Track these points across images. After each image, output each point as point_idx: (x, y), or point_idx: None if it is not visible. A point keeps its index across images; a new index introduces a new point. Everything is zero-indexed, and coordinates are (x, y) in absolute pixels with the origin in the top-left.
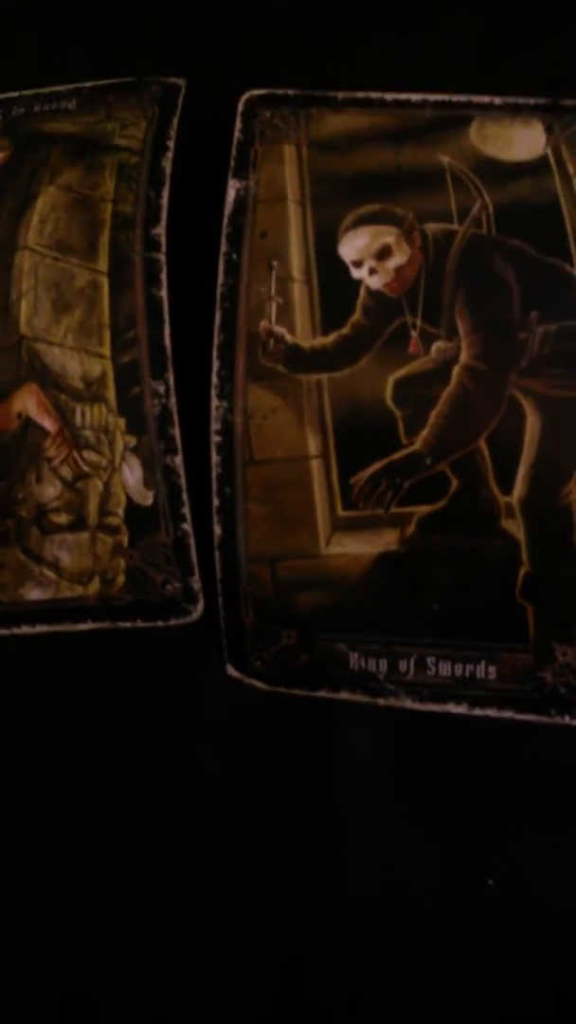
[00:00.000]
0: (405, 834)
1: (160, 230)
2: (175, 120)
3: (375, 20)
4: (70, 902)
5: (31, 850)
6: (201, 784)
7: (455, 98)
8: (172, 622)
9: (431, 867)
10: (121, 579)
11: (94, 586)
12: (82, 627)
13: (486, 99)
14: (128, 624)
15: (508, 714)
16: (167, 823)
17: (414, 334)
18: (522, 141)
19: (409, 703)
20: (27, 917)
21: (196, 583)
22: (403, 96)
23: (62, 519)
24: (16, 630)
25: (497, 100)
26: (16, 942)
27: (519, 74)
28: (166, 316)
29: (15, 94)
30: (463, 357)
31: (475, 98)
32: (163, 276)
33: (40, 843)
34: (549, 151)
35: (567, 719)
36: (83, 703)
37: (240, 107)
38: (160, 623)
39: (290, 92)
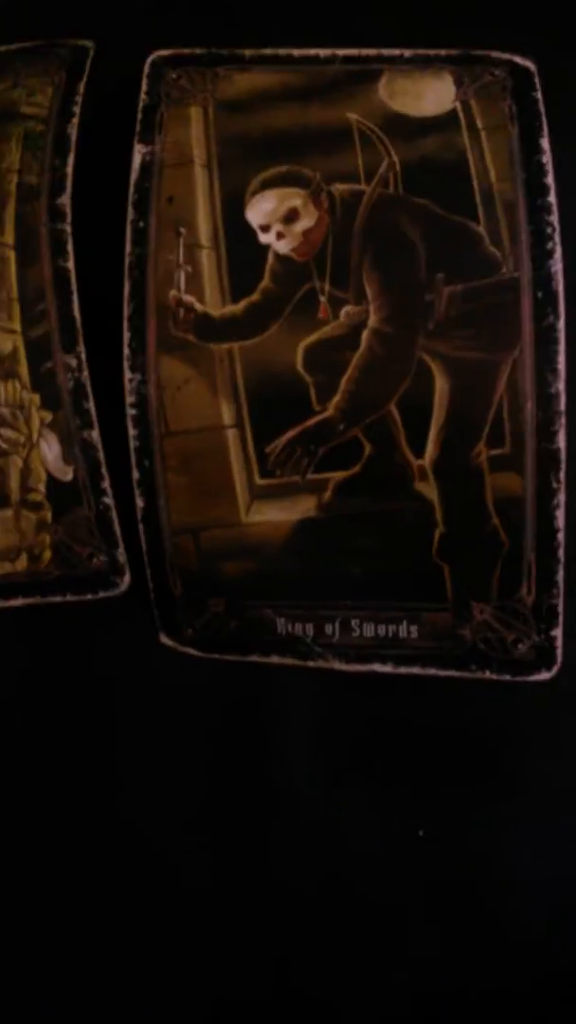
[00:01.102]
0: (340, 795)
1: (65, 200)
2: (81, 85)
3: None
4: (21, 879)
5: None
6: (143, 752)
7: (364, 52)
8: (101, 595)
9: (367, 827)
10: (48, 554)
11: (22, 562)
12: (13, 603)
13: (396, 52)
14: (59, 598)
15: (431, 671)
16: (109, 793)
17: (323, 299)
18: (432, 95)
19: (337, 664)
20: None
21: (121, 555)
22: (312, 52)
23: None
24: None
25: (407, 53)
26: None
27: (431, 27)
28: (74, 288)
29: None
30: (371, 321)
31: (385, 51)
32: (69, 247)
33: None
34: (458, 105)
35: (487, 674)
36: (23, 678)
37: (146, 68)
38: (89, 596)
39: (197, 51)
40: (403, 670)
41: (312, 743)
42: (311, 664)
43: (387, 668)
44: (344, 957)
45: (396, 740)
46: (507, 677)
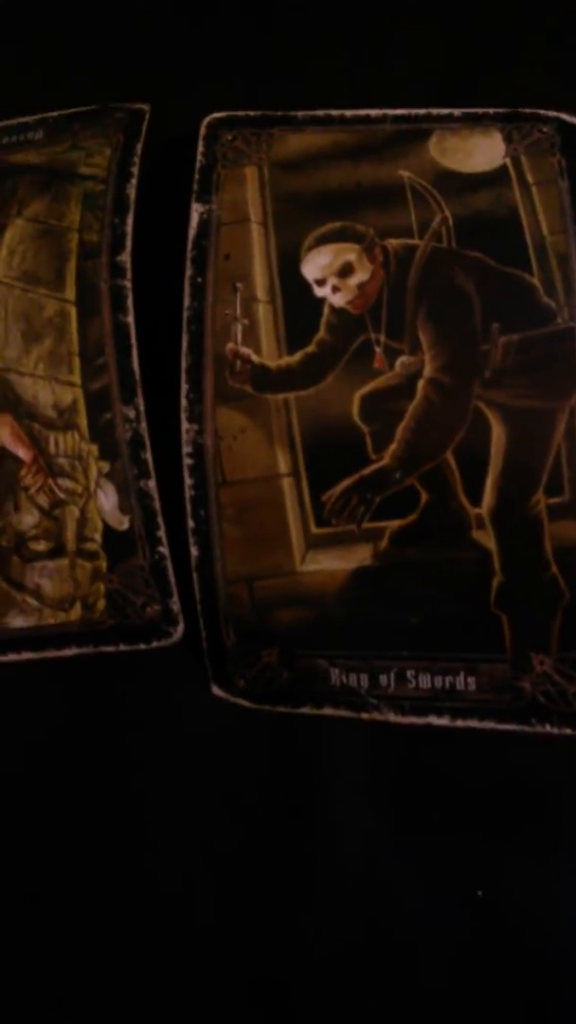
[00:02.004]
0: (390, 851)
1: (125, 257)
2: (139, 146)
3: (336, 38)
4: (55, 928)
5: (17, 873)
6: (187, 804)
7: (414, 112)
8: (154, 644)
9: (417, 883)
10: (102, 603)
11: (76, 611)
12: (67, 653)
13: (445, 111)
14: (111, 648)
15: (489, 725)
16: (153, 844)
17: (378, 350)
18: (481, 152)
19: (392, 716)
20: (10, 944)
21: (175, 604)
22: (363, 112)
23: (41, 546)
24: (2, 658)
25: (456, 112)
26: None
27: (479, 86)
28: (134, 341)
29: None
30: (427, 371)
31: (434, 111)
32: (129, 302)
33: (26, 866)
34: (508, 161)
35: (547, 728)
36: (73, 727)
37: (202, 130)
38: (142, 646)
39: (251, 113)
40: (460, 723)
41: (359, 798)
42: (365, 716)
43: (443, 721)
44: (387, 1008)
45: (447, 796)
46: (568, 731)
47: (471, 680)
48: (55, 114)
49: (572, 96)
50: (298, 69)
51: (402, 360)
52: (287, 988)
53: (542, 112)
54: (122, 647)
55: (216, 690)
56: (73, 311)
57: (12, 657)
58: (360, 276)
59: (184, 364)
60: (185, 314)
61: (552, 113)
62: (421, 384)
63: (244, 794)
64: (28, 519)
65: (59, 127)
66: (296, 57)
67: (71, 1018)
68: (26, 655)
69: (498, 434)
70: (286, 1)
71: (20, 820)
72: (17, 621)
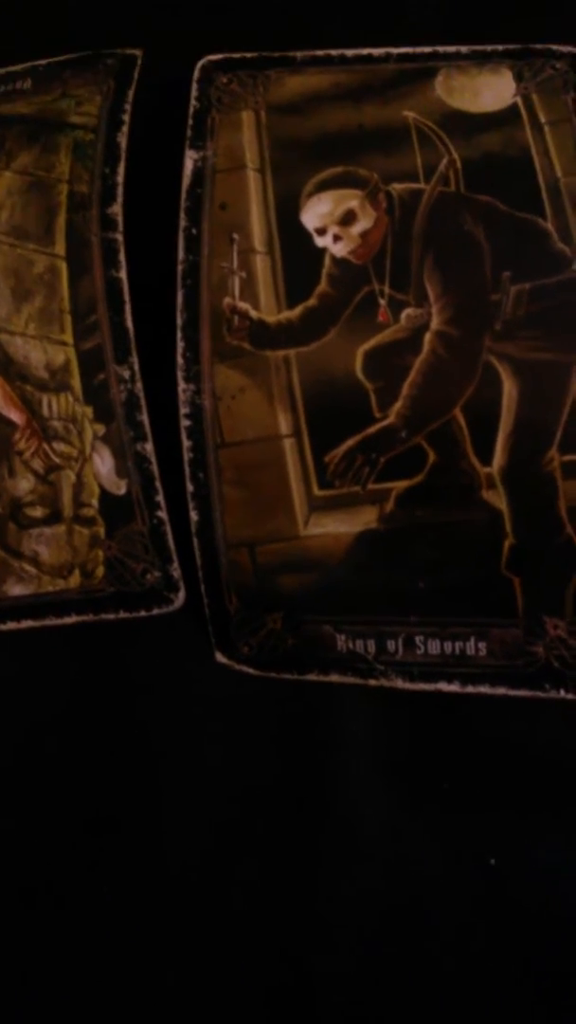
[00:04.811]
0: (401, 818)
1: (116, 209)
2: (131, 93)
3: None
4: (66, 898)
5: (26, 844)
6: (196, 772)
7: (419, 50)
8: (155, 612)
9: (432, 853)
10: (101, 570)
11: (75, 579)
12: (67, 621)
13: (452, 49)
14: (112, 616)
15: (501, 691)
16: (163, 814)
17: (382, 302)
18: (490, 91)
19: (400, 683)
20: (23, 914)
21: (176, 571)
22: (364, 51)
23: (37, 513)
24: (2, 627)
25: (464, 49)
26: (11, 937)
27: (487, 21)
28: (127, 298)
29: None
30: (434, 323)
31: (441, 48)
32: (122, 257)
33: (35, 838)
34: (519, 100)
35: (561, 693)
36: (75, 697)
37: (196, 74)
38: (143, 613)
39: (247, 55)
40: (471, 689)
41: (371, 765)
42: (372, 683)
43: (454, 687)
44: (406, 983)
45: (460, 764)
46: None
47: (482, 645)
48: (44, 62)
49: None
50: (296, 7)
51: (408, 312)
52: (301, 958)
53: (555, 48)
54: (123, 614)
55: (220, 657)
56: (64, 267)
57: (12, 626)
58: (363, 224)
59: (180, 321)
60: (180, 268)
61: (565, 48)
62: (428, 337)
63: (253, 761)
64: (23, 484)
65: (48, 75)
66: None
67: (78, 995)
68: (27, 623)
69: (509, 389)
70: None
71: (28, 788)
72: (16, 589)
